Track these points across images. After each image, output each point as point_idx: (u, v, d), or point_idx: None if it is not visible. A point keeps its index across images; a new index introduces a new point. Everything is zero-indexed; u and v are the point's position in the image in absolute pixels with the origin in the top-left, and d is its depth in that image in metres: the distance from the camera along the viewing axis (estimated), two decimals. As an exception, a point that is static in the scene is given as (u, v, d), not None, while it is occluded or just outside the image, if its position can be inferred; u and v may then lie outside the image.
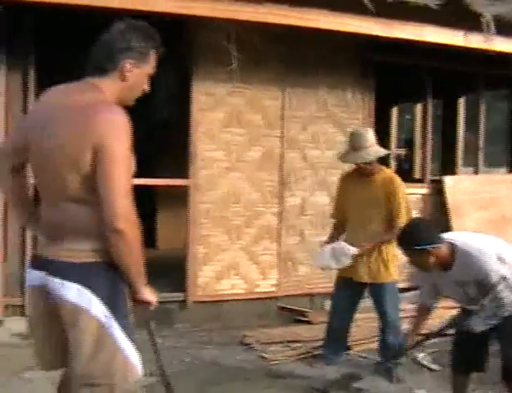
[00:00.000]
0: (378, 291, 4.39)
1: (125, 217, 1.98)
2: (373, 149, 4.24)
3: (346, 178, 4.59)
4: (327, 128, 6.18)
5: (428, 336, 4.10)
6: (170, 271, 6.03)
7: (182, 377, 4.32)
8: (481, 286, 3.30)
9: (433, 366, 4.59)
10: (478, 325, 3.33)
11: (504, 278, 3.24)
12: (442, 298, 3.70)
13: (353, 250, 4.19)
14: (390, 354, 4.22)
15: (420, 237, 3.29)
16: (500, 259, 3.30)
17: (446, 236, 3.45)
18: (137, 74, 2.17)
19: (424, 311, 3.70)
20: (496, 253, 3.32)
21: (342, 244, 4.28)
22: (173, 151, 6.88)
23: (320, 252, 4.40)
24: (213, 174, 5.69)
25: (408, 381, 4.15)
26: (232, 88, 5.66)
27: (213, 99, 5.66)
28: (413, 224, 3.50)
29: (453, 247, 3.34)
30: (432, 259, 3.31)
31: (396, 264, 4.37)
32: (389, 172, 4.49)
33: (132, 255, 2.07)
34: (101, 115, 2.01)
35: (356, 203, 4.36)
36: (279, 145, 5.93)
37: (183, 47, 5.75)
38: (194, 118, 5.60)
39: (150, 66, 2.21)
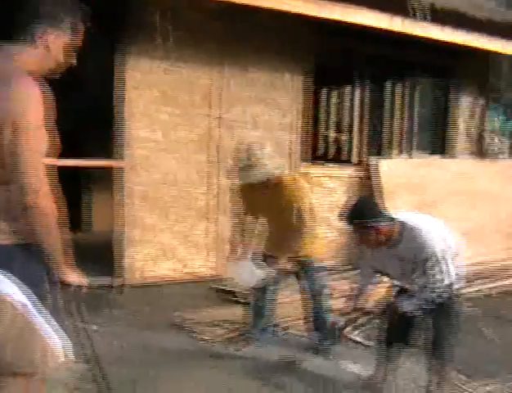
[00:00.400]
0: (305, 269, 4.40)
1: (35, 191, 1.90)
2: (263, 169, 3.90)
3: (246, 187, 4.22)
4: (265, 109, 6.17)
5: (361, 314, 4.17)
6: (105, 254, 5.90)
7: (119, 362, 4.23)
8: (422, 264, 3.37)
9: (367, 342, 4.66)
10: (409, 306, 3.44)
11: (443, 258, 3.32)
12: (380, 277, 3.78)
13: (262, 272, 4.14)
14: (323, 332, 4.28)
15: (369, 213, 3.33)
16: (443, 240, 3.38)
17: (393, 214, 3.49)
18: (55, 43, 2.08)
19: (363, 290, 3.76)
20: (440, 232, 3.42)
21: (251, 265, 4.19)
22: (107, 130, 6.69)
23: (236, 270, 4.29)
24: (147, 155, 5.58)
25: (343, 358, 4.20)
26: (167, 66, 5.53)
27: (148, 77, 5.53)
28: (362, 201, 3.52)
29: (401, 224, 3.40)
30: (379, 236, 3.36)
31: (322, 242, 4.38)
32: (291, 178, 4.18)
33: (50, 233, 1.98)
34: (9, 86, 1.91)
35: (264, 213, 4.28)
36: (215, 125, 5.88)
37: (116, 23, 5.57)
38: (127, 96, 5.45)
39: (70, 36, 2.12)
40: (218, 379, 3.85)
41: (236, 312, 5.43)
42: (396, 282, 3.73)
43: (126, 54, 5.41)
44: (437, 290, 3.36)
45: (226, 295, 5.92)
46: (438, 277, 3.33)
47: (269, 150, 4.02)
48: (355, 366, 4.25)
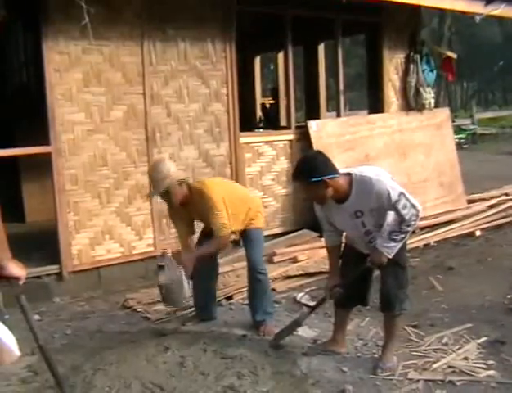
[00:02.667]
0: (245, 240, 4.44)
1: None
2: (164, 182, 3.97)
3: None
4: (190, 81, 6.08)
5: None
6: (42, 244, 5.78)
7: (67, 349, 4.21)
8: (378, 212, 3.41)
9: (312, 303, 4.73)
10: (392, 249, 3.46)
11: (402, 193, 3.36)
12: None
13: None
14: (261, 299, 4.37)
15: (317, 169, 3.32)
16: (393, 180, 3.44)
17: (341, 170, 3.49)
18: None
19: (334, 250, 3.76)
20: (389, 175, 3.47)
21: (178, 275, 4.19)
22: (33, 116, 6.47)
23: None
24: (75, 138, 5.44)
25: (289, 320, 4.26)
26: (88, 45, 5.35)
27: (68, 58, 5.35)
28: (308, 157, 3.50)
29: (350, 177, 3.41)
30: (329, 191, 3.36)
31: (257, 213, 4.40)
32: (200, 187, 4.16)
33: None
34: None
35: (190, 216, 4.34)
36: (142, 102, 5.75)
37: (35, 5, 5.34)
38: (49, 80, 5.27)
39: None
40: (165, 356, 3.85)
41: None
42: (357, 241, 3.71)
43: (43, 36, 5.20)
44: (414, 223, 3.41)
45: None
46: (413, 210, 3.37)
47: (172, 165, 4.14)
48: (301, 328, 4.34)
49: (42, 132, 5.40)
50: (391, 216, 3.44)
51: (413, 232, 7.13)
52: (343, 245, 3.84)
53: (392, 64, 8.09)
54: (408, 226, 3.41)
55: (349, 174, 3.43)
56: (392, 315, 3.73)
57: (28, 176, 7.73)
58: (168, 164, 4.10)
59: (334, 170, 3.37)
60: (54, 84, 5.30)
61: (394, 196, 3.32)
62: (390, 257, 3.47)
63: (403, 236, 3.45)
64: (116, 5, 5.54)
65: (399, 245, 3.47)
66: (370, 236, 3.54)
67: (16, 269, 2.10)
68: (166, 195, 4.08)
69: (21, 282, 2.17)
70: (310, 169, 3.34)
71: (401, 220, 3.38)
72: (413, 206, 3.37)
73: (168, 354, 3.90)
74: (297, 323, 4.04)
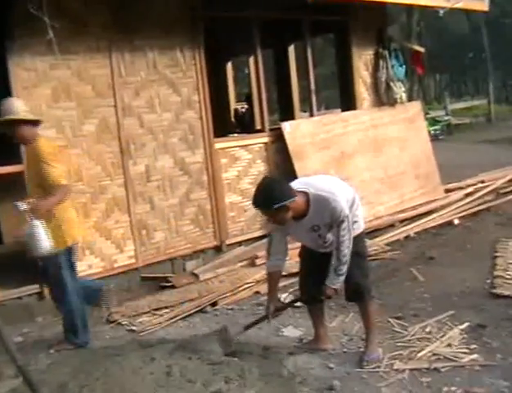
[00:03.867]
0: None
1: None
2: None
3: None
4: (161, 90, 6.05)
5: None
6: (21, 264, 5.67)
7: (52, 368, 4.15)
8: (331, 226, 3.56)
9: (297, 303, 4.75)
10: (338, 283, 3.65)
11: (347, 216, 3.52)
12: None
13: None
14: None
15: (276, 196, 3.42)
16: (347, 201, 3.61)
17: (296, 184, 3.62)
18: None
19: (275, 276, 3.85)
20: (342, 191, 3.63)
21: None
22: (3, 135, 6.40)
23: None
24: (48, 155, 5.39)
25: (275, 321, 4.26)
26: (55, 60, 5.29)
27: (36, 74, 5.29)
28: (266, 185, 3.56)
29: (307, 196, 3.54)
30: (290, 213, 3.49)
31: (72, 227, 4.42)
32: (41, 141, 4.29)
33: None
34: None
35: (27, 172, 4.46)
36: (114, 114, 5.71)
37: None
38: (18, 97, 5.21)
39: None
40: (151, 367, 3.83)
41: (170, 296, 5.43)
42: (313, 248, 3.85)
43: (8, 52, 5.15)
44: (346, 245, 3.56)
45: (156, 281, 5.90)
46: (348, 235, 3.54)
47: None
48: (288, 328, 4.36)
49: (12, 151, 5.34)
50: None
51: (392, 225, 7.25)
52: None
53: (362, 61, 8.17)
54: (344, 256, 3.56)
55: (306, 193, 3.55)
56: (364, 304, 3.83)
57: (2, 196, 7.65)
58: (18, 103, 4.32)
59: (292, 193, 3.49)
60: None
61: (343, 216, 3.50)
62: (338, 288, 3.66)
63: (345, 265, 3.58)
64: (81, 18, 5.50)
65: (345, 274, 3.61)
66: (327, 243, 3.70)
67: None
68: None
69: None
70: (271, 196, 3.43)
71: (336, 247, 3.55)
72: (349, 231, 3.54)
73: (154, 365, 3.87)
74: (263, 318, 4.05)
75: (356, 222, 3.69)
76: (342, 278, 3.62)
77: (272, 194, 3.43)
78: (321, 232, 3.61)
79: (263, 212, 3.60)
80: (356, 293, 3.79)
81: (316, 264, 3.79)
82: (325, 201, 3.50)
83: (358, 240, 3.74)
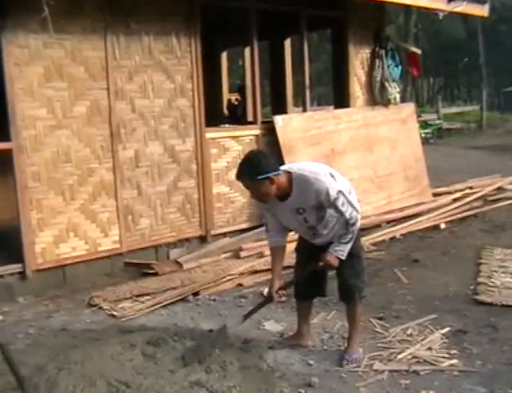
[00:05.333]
0: None
1: None
2: None
3: None
4: (155, 76, 6.00)
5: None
6: (4, 242, 5.63)
7: (31, 349, 4.14)
8: (319, 209, 3.45)
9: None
10: (343, 252, 3.53)
11: (340, 192, 3.41)
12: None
13: None
14: None
15: (261, 167, 3.35)
16: (333, 176, 3.48)
17: (281, 167, 3.54)
18: None
19: (277, 252, 3.73)
20: (327, 171, 3.49)
21: None
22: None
23: None
24: (37, 134, 5.32)
25: (256, 315, 4.25)
26: (49, 39, 5.22)
27: (28, 52, 5.22)
28: (251, 156, 3.49)
29: (290, 175, 3.46)
30: (273, 188, 3.39)
31: None
32: None
33: None
34: None
35: None
36: (106, 97, 5.66)
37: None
38: (9, 74, 5.14)
39: None
40: (131, 353, 3.80)
41: (152, 283, 5.40)
42: (305, 237, 3.78)
43: (1, 29, 5.07)
44: (357, 221, 3.47)
45: (139, 267, 5.87)
46: (353, 211, 3.44)
47: None
48: (269, 322, 4.35)
49: (1, 128, 5.28)
50: (338, 224, 3.51)
51: (379, 226, 7.26)
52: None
53: (358, 59, 8.16)
54: (353, 225, 3.48)
55: (289, 173, 3.48)
56: (352, 304, 3.79)
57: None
58: None
59: (277, 167, 3.43)
60: (14, 79, 5.17)
61: (333, 194, 3.39)
62: (343, 258, 3.54)
63: (351, 236, 3.51)
64: (76, -3, 5.44)
65: (350, 245, 3.53)
66: (313, 230, 3.61)
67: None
68: None
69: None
70: (255, 167, 3.37)
71: (344, 221, 3.45)
72: (350, 204, 3.45)
73: (133, 352, 3.84)
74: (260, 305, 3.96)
75: None
76: (344, 248, 3.50)
77: (257, 165, 3.36)
78: (307, 215, 3.50)
79: (247, 184, 3.46)
80: (347, 293, 3.74)
81: (311, 260, 3.70)
82: (307, 181, 3.40)
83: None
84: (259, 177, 3.34)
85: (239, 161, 3.48)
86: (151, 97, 5.99)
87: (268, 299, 3.78)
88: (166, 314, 4.80)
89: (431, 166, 8.92)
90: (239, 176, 3.47)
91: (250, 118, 8.71)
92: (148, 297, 5.11)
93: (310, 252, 3.75)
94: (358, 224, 3.53)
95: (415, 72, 9.91)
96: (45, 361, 3.80)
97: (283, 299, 4.62)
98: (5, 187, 6.44)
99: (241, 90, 10.86)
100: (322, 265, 3.61)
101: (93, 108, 5.61)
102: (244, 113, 10.04)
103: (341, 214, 3.44)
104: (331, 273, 3.86)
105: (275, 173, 3.38)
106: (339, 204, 3.41)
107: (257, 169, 3.35)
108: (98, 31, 5.62)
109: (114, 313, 4.84)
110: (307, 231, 3.65)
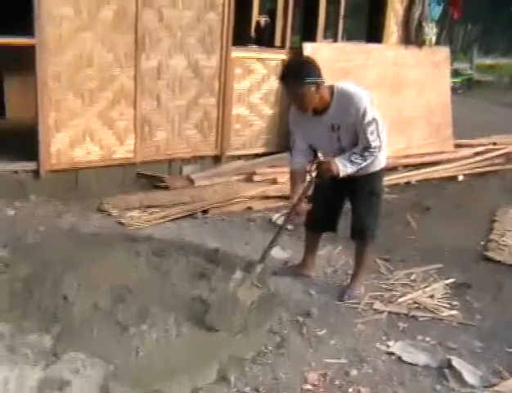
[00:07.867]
0: None
1: None
2: None
3: None
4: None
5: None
6: (22, 140, 5.62)
7: (39, 246, 4.20)
8: (353, 129, 3.34)
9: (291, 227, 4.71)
10: (345, 169, 3.35)
11: (375, 119, 3.30)
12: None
13: None
14: None
15: (311, 69, 3.23)
16: (372, 103, 3.35)
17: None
18: None
19: (298, 176, 3.62)
20: (370, 97, 3.37)
21: None
22: (17, 6, 6.16)
23: None
24: (62, 34, 5.18)
25: (263, 241, 4.26)
26: None
27: None
28: (301, 58, 3.37)
29: (332, 89, 3.35)
30: (316, 97, 3.27)
31: None
32: None
33: None
34: None
35: None
36: (134, 3, 5.45)
37: None
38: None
39: None
40: (136, 261, 3.86)
41: (162, 197, 5.42)
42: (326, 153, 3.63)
43: None
44: (374, 153, 3.36)
45: (150, 180, 5.87)
46: (377, 141, 3.33)
47: None
48: (275, 249, 4.36)
49: (25, 23, 5.15)
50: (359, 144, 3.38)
51: (395, 168, 7.15)
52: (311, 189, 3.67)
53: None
54: (369, 153, 3.34)
55: (331, 86, 3.35)
56: (363, 244, 3.75)
57: (10, 71, 7.50)
58: None
59: (322, 75, 3.28)
60: (42, -28, 5.01)
61: (368, 117, 3.28)
62: (341, 175, 3.36)
63: (360, 161, 3.36)
64: None
65: (354, 168, 3.37)
66: (344, 149, 3.44)
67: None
68: None
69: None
70: (304, 69, 3.23)
71: (364, 146, 3.33)
72: (378, 137, 3.33)
73: (138, 260, 3.92)
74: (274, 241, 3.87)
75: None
76: (348, 167, 3.34)
77: (307, 67, 3.23)
78: (341, 133, 3.37)
79: (291, 87, 3.28)
80: (360, 231, 3.69)
81: (328, 200, 3.67)
82: (348, 97, 3.28)
83: (375, 177, 3.57)
84: (308, 79, 3.19)
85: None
86: (180, 7, 5.77)
87: (292, 210, 3.52)
88: (173, 228, 4.83)
89: (456, 117, 8.68)
90: (285, 76, 3.32)
91: (278, 43, 8.46)
92: (157, 209, 5.14)
93: (328, 196, 3.69)
94: (372, 158, 3.39)
95: (456, 14, 9.48)
96: (52, 259, 3.87)
97: (289, 227, 4.56)
98: (25, 86, 6.39)
99: (271, 13, 10.54)
100: (322, 168, 3.43)
101: (120, 13, 5.43)
102: (271, 37, 9.77)
103: (367, 142, 3.31)
104: (346, 207, 3.81)
105: (322, 79, 3.25)
106: (369, 130, 3.28)
107: (306, 71, 3.21)
108: None
109: (123, 220, 4.88)
110: (335, 149, 3.47)
